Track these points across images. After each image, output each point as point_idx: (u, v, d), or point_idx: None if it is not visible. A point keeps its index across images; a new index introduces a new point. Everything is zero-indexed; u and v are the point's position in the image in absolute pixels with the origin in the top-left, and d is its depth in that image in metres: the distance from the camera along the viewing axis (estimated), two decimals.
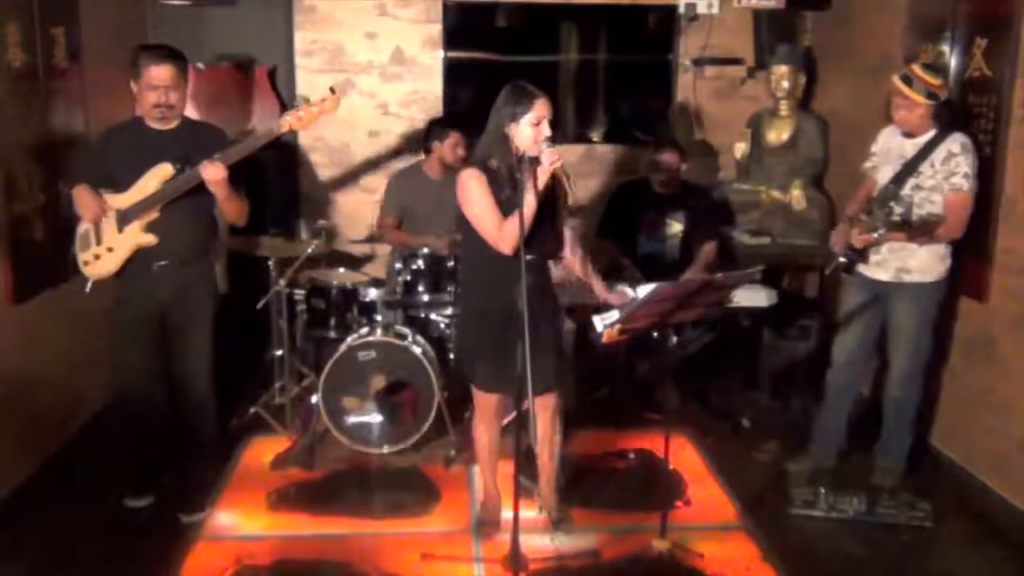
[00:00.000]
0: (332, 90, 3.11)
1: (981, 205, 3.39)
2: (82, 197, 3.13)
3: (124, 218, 3.14)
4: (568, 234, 3.09)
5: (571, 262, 3.18)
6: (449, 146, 4.51)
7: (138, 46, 3.10)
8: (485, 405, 3.13)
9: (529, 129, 2.78)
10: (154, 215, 3.12)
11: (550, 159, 2.72)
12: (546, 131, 2.78)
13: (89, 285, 3.24)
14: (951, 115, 3.38)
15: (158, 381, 3.34)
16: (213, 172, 3.00)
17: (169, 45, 3.16)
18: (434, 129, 4.58)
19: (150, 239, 3.14)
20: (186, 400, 3.37)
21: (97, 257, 3.19)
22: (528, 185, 2.72)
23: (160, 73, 3.04)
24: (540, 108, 2.79)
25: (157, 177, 3.09)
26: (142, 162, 3.10)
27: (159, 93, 3.05)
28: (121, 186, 3.14)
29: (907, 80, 3.28)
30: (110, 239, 3.17)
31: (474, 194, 2.84)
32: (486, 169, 2.87)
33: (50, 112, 3.73)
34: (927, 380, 3.61)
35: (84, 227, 3.21)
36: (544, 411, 3.11)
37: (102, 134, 3.32)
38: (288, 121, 3.09)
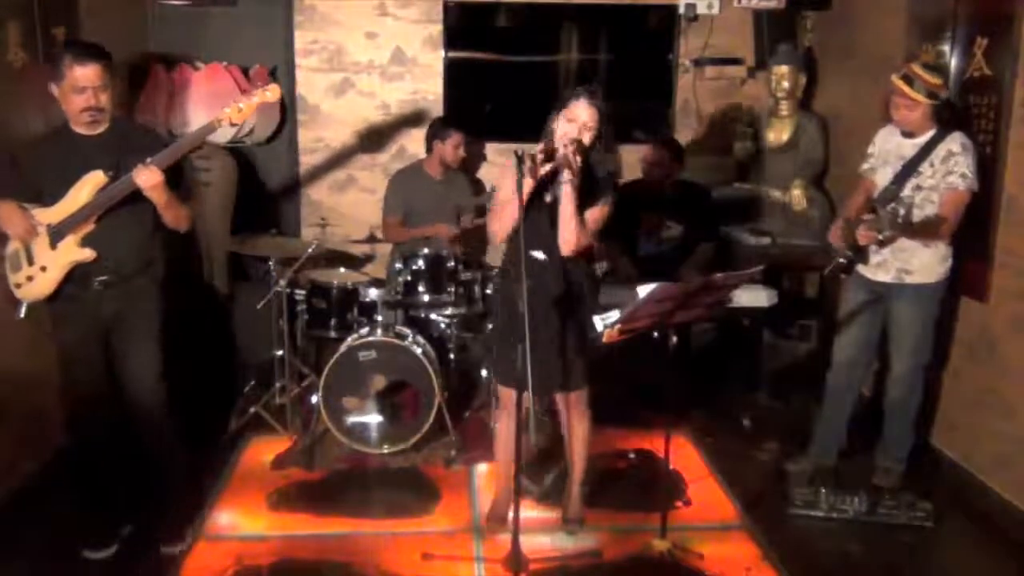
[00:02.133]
0: (273, 77, 2.98)
1: (981, 205, 3.39)
2: (7, 213, 2.85)
3: (57, 233, 2.86)
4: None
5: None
6: (451, 146, 4.52)
7: (60, 46, 2.85)
8: (503, 398, 3.23)
9: (565, 125, 2.87)
10: (90, 227, 2.87)
11: (561, 145, 2.80)
12: (573, 132, 2.84)
13: (23, 309, 2.97)
14: (950, 115, 3.38)
15: (111, 404, 3.08)
16: (148, 178, 2.76)
17: (94, 42, 2.90)
18: (437, 128, 4.58)
19: (87, 254, 2.87)
20: (138, 422, 3.10)
21: (30, 279, 2.91)
22: (526, 181, 2.72)
23: (87, 73, 2.76)
24: (575, 108, 2.87)
25: (89, 186, 2.84)
26: (72, 172, 2.84)
27: (88, 95, 2.78)
28: (50, 200, 2.88)
29: (908, 80, 3.28)
30: (43, 258, 2.89)
31: (501, 179, 3.04)
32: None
33: (50, 112, 3.72)
34: (927, 380, 3.61)
35: (12, 247, 2.94)
36: (569, 409, 3.18)
37: (28, 145, 3.06)
38: (227, 114, 2.89)
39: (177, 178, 2.93)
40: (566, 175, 2.81)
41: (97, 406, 3.05)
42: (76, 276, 2.91)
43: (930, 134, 3.33)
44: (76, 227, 2.86)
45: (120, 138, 2.93)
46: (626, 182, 4.75)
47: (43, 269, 2.90)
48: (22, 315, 2.98)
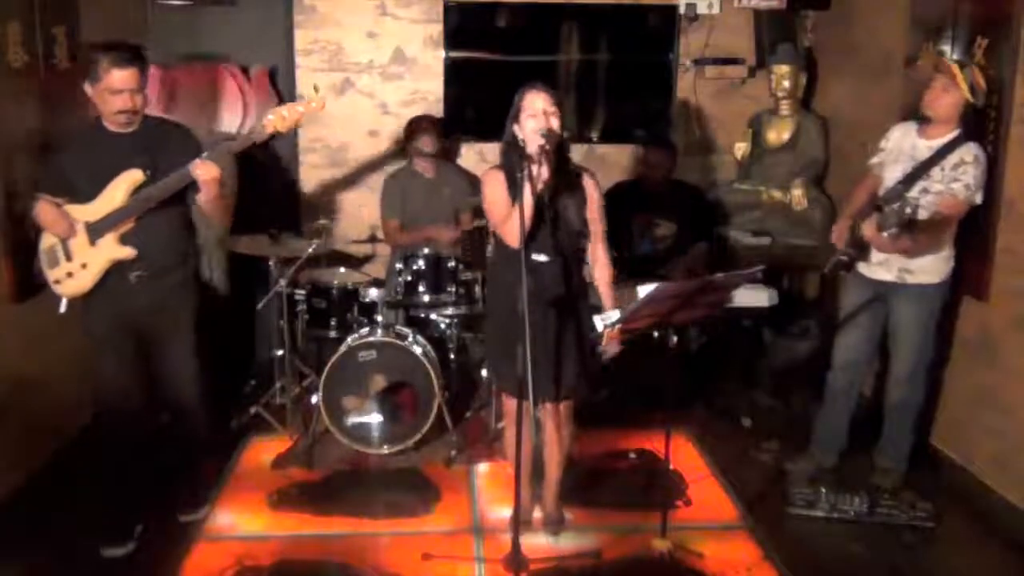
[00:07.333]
0: (316, 89, 3.07)
1: (981, 204, 3.38)
2: (47, 213, 2.90)
3: (96, 231, 2.91)
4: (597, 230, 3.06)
5: (593, 259, 3.11)
6: (417, 135, 4.50)
7: (94, 48, 2.89)
8: (508, 407, 3.14)
9: (531, 122, 2.82)
10: (129, 225, 2.92)
11: (535, 143, 2.75)
12: (541, 122, 2.79)
13: (64, 305, 3.02)
14: (972, 124, 3.34)
15: (139, 394, 3.12)
16: (206, 171, 2.85)
17: (128, 44, 2.90)
18: (407, 130, 4.60)
19: (127, 252, 2.93)
20: (175, 409, 3.22)
21: (70, 275, 2.95)
22: (526, 182, 2.70)
23: (124, 77, 2.81)
24: (532, 99, 2.83)
25: (125, 184, 2.89)
26: (106, 169, 2.89)
27: (124, 98, 2.83)
28: (84, 196, 2.91)
29: (961, 65, 3.29)
30: (82, 254, 2.93)
31: (487, 190, 2.97)
32: (505, 169, 2.94)
33: (50, 112, 3.72)
34: (928, 380, 3.61)
35: (49, 242, 2.97)
36: (555, 415, 3.12)
37: (62, 142, 3.11)
38: (272, 121, 2.95)
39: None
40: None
41: (126, 398, 3.08)
42: (114, 270, 2.96)
43: (949, 137, 3.30)
44: (117, 224, 2.91)
45: (152, 135, 2.97)
46: (619, 182, 4.77)
47: (83, 266, 2.94)
48: (62, 310, 3.02)
